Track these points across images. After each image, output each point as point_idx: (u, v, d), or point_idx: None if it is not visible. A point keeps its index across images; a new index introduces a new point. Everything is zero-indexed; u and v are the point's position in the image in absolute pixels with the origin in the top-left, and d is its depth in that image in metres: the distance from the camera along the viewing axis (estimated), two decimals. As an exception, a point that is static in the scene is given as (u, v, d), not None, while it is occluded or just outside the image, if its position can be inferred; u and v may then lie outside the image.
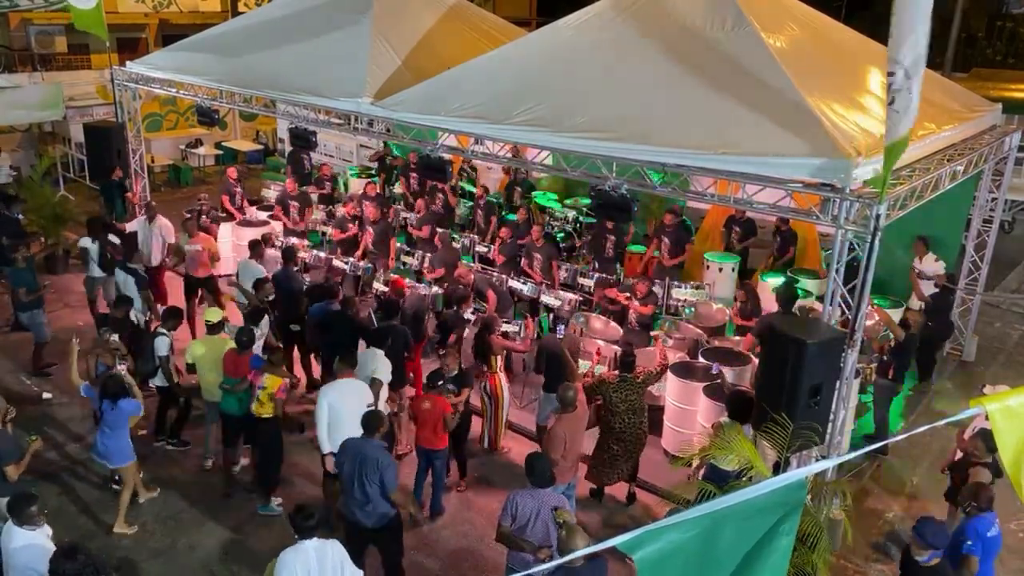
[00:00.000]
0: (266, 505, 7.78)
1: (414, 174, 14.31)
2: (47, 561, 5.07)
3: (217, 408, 8.00)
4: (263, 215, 13.52)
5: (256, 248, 10.36)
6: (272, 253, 11.03)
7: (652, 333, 9.51)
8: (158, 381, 8.48)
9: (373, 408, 6.89)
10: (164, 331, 8.30)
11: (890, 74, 5.92)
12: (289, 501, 7.54)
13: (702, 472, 6.97)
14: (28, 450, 6.53)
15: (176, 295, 11.16)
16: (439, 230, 12.04)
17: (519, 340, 9.25)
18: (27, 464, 6.52)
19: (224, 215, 13.36)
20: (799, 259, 11.78)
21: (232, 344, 7.89)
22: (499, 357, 8.50)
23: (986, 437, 6.61)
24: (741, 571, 3.17)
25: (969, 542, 5.76)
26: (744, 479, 6.60)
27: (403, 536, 6.63)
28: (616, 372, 7.72)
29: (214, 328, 8.20)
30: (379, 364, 7.67)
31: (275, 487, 7.84)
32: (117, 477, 7.87)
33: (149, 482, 8.06)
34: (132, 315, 9.01)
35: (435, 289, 10.79)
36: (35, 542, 5.35)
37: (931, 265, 10.60)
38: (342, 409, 6.94)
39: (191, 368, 8.17)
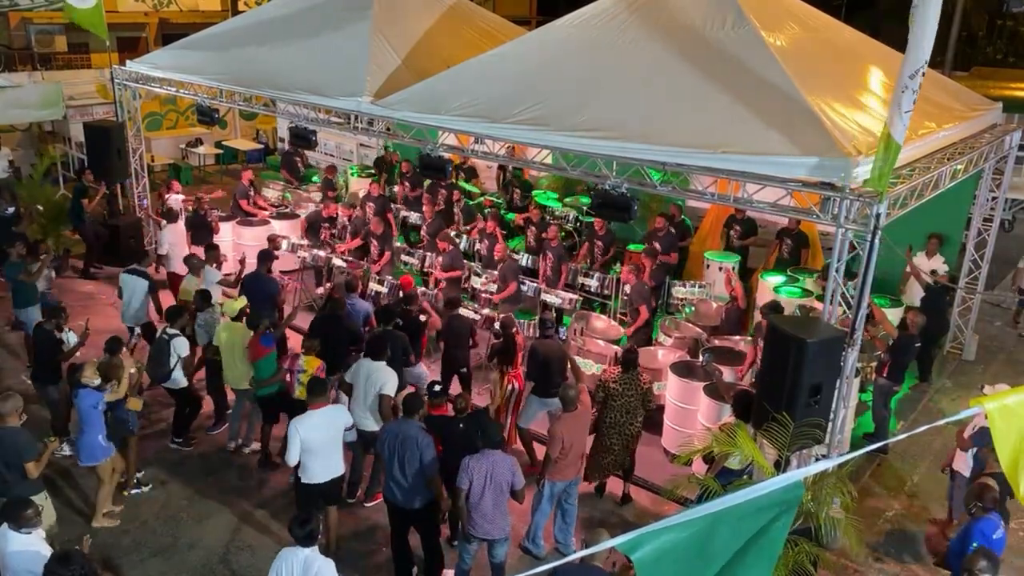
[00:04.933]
0: None
1: (406, 183, 14.26)
2: (41, 564, 5.05)
3: (241, 394, 8.33)
4: (267, 214, 13.56)
5: (211, 252, 10.26)
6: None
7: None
8: (175, 384, 8.38)
9: (414, 392, 7.16)
10: (177, 331, 8.28)
11: (912, 76, 5.97)
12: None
13: (715, 472, 6.96)
14: (46, 451, 6.51)
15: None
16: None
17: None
18: (45, 464, 6.50)
19: (227, 215, 13.42)
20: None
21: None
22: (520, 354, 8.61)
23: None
24: (732, 566, 3.19)
25: (975, 544, 5.73)
26: (745, 476, 6.61)
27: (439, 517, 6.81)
28: (617, 369, 7.74)
29: (236, 319, 8.42)
30: (387, 379, 7.44)
31: None
32: (123, 480, 7.92)
33: (148, 482, 8.09)
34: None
35: (435, 290, 10.79)
36: (31, 546, 5.33)
37: (937, 264, 10.60)
38: (314, 441, 6.71)
39: (215, 351, 8.40)
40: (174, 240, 11.72)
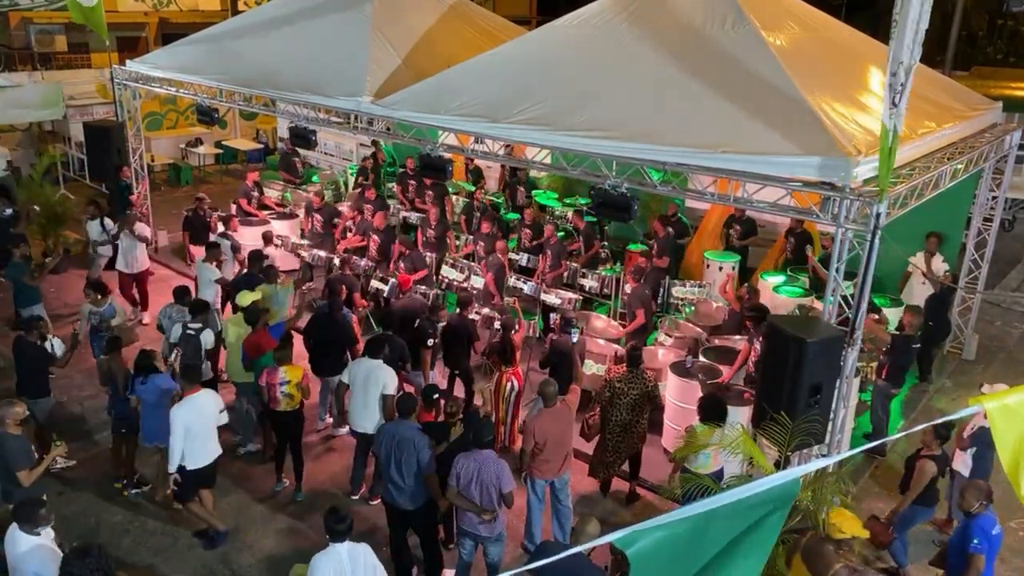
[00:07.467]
0: (298, 491, 8.04)
1: (412, 181, 14.27)
2: (51, 564, 5.04)
3: (243, 388, 8.33)
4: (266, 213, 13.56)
5: (212, 250, 10.34)
6: (270, 251, 11.03)
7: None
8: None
9: (408, 393, 7.16)
10: (201, 324, 8.32)
11: (895, 74, 5.96)
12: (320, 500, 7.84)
13: (677, 475, 6.99)
14: (49, 454, 6.50)
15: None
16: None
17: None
18: (45, 468, 6.48)
19: (234, 215, 13.41)
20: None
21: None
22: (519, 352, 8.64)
23: (938, 429, 6.64)
24: (724, 559, 3.20)
25: (976, 540, 5.76)
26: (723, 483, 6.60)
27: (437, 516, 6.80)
28: (622, 367, 7.74)
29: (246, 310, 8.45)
30: (388, 378, 7.45)
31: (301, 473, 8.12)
32: (124, 482, 7.91)
33: (148, 482, 8.04)
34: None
35: (433, 291, 10.79)
36: (39, 547, 5.30)
37: (937, 263, 10.60)
38: (198, 426, 6.92)
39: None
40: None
